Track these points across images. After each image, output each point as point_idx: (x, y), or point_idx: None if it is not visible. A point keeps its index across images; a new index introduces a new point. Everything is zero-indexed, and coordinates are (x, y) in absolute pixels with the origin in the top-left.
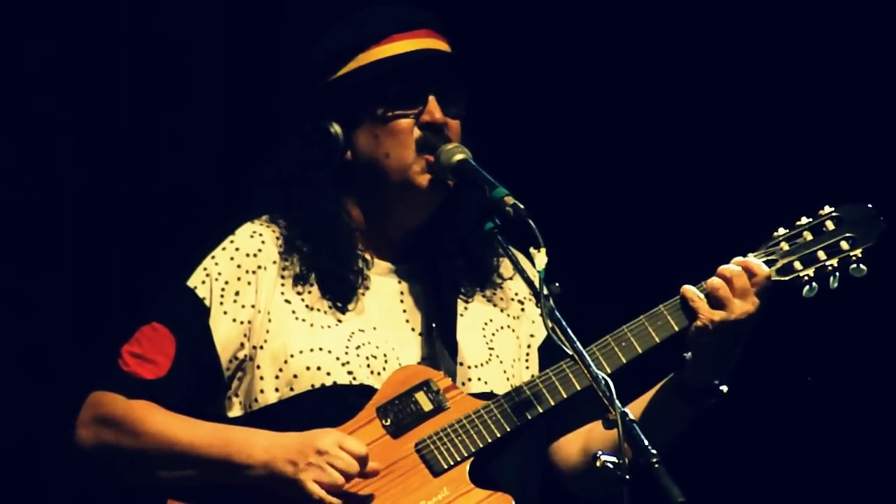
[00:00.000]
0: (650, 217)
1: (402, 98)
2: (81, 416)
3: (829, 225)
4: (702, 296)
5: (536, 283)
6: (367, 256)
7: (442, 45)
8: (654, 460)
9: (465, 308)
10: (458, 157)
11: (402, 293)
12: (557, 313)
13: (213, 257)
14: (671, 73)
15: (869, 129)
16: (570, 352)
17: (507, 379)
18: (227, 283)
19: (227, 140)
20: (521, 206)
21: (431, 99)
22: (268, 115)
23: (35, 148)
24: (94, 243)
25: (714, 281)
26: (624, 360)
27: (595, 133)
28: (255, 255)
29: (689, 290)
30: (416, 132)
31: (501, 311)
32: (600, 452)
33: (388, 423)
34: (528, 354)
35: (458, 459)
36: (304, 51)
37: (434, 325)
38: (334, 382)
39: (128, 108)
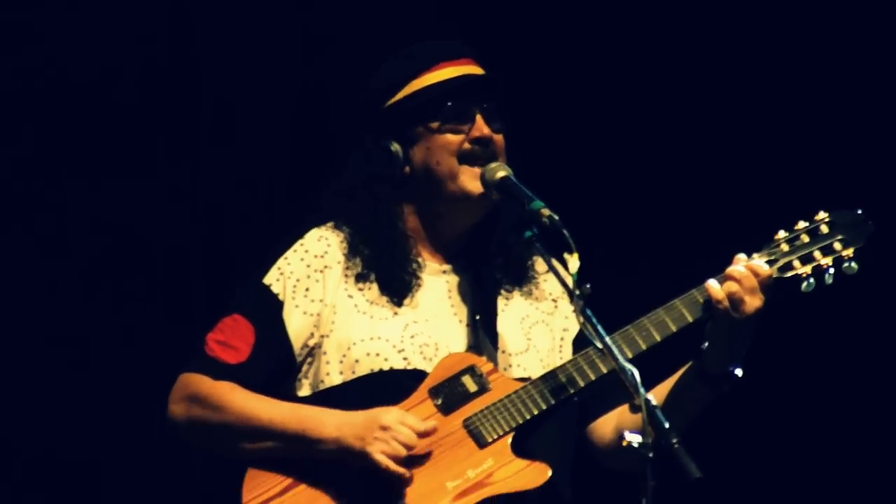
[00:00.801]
0: (667, 223)
1: (453, 116)
2: (173, 395)
3: (824, 228)
4: (726, 297)
5: (570, 284)
6: (420, 259)
7: (482, 71)
8: (675, 440)
9: (506, 304)
10: (501, 174)
11: (450, 290)
12: (588, 310)
13: (285, 258)
14: (687, 90)
15: (859, 144)
16: (599, 345)
17: (543, 366)
18: (298, 280)
19: (295, 156)
20: (556, 217)
21: (478, 117)
22: (330, 136)
23: (124, 153)
24: (178, 246)
25: (729, 284)
26: (643, 347)
27: (612, 148)
28: (322, 256)
29: (717, 292)
30: (467, 145)
31: (537, 307)
32: (626, 433)
33: (439, 403)
34: (561, 346)
35: (501, 433)
36: (364, 80)
37: (478, 317)
38: (391, 367)
39: (209, 134)
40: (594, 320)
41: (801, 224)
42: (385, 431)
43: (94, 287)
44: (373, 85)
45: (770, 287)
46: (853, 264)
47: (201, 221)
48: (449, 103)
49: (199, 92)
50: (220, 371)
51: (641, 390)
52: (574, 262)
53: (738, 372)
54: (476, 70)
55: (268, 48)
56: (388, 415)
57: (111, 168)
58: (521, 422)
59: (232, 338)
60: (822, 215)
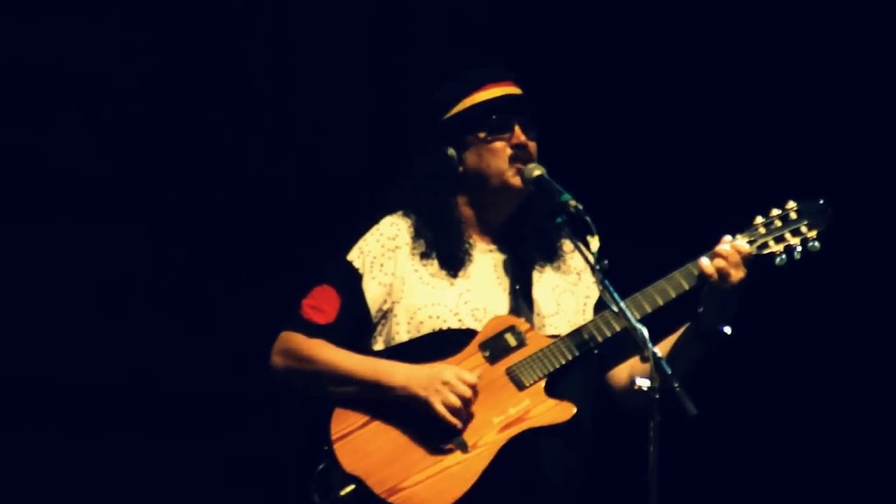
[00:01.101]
0: (668, 211)
1: (497, 127)
2: (274, 349)
3: (793, 215)
4: (715, 270)
5: (591, 261)
6: (471, 240)
7: (519, 91)
8: (676, 384)
9: (540, 276)
10: (537, 172)
11: (495, 265)
12: (606, 281)
13: (365, 239)
14: (680, 97)
15: (824, 142)
16: (615, 309)
17: (570, 326)
18: (374, 257)
19: (373, 162)
20: (581, 207)
21: (517, 127)
22: (400, 143)
23: (235, 153)
24: (285, 233)
25: (717, 260)
26: (649, 310)
27: (624, 153)
28: (393, 239)
29: (707, 267)
30: (508, 150)
31: (565, 279)
32: (637, 378)
33: (487, 355)
34: (584, 309)
35: (536, 379)
36: (426, 99)
37: (517, 287)
38: (448, 327)
39: (302, 147)
40: (611, 289)
41: (775, 211)
42: (445, 385)
43: (222, 266)
44: (432, 103)
45: (750, 262)
46: (816, 244)
47: (299, 212)
48: (493, 116)
49: (289, 111)
50: (312, 330)
51: (649, 344)
52: (595, 242)
53: (727, 330)
54: (515, 90)
55: (352, 77)
56: (449, 371)
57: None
58: (552, 369)
59: (322, 303)
60: (791, 204)
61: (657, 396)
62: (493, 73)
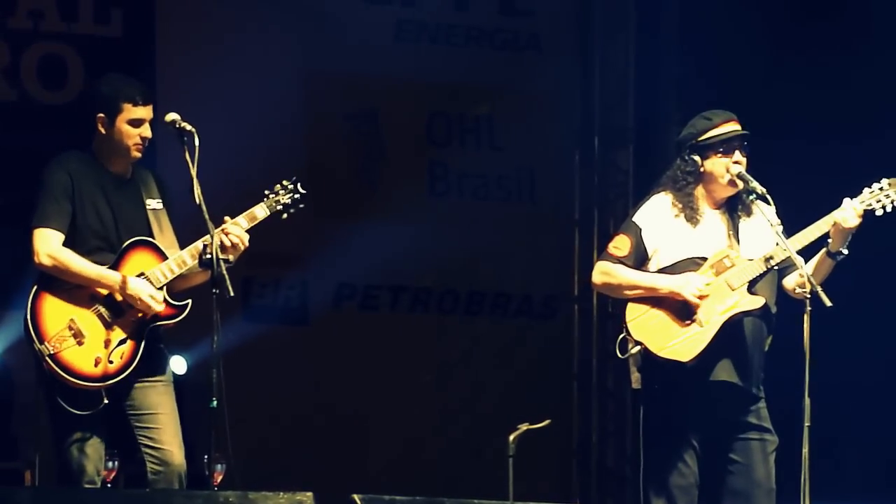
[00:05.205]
0: (813, 193)
1: (727, 149)
2: (594, 271)
3: (886, 186)
4: (842, 219)
5: (771, 219)
6: (703, 208)
7: (739, 127)
8: (818, 288)
9: (742, 226)
10: (752, 183)
11: (718, 220)
12: (778, 229)
13: (644, 208)
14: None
15: None
16: (783, 245)
17: (759, 254)
18: (648, 221)
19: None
20: (765, 190)
21: (738, 150)
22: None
23: None
24: (605, 214)
25: (843, 214)
26: (804, 244)
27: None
28: (659, 209)
29: (838, 217)
30: (731, 163)
31: (756, 229)
32: (797, 288)
33: (713, 272)
34: (766, 245)
35: (741, 284)
36: (686, 127)
37: (730, 232)
38: (691, 256)
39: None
40: (783, 237)
41: (875, 185)
42: (691, 286)
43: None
44: (688, 130)
45: (861, 215)
46: None
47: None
48: (725, 141)
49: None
50: (615, 260)
51: (804, 267)
52: (773, 208)
53: (845, 252)
54: (738, 126)
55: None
56: (693, 277)
57: None
58: (751, 278)
59: (620, 245)
60: (885, 180)
61: (809, 296)
62: (726, 114)
